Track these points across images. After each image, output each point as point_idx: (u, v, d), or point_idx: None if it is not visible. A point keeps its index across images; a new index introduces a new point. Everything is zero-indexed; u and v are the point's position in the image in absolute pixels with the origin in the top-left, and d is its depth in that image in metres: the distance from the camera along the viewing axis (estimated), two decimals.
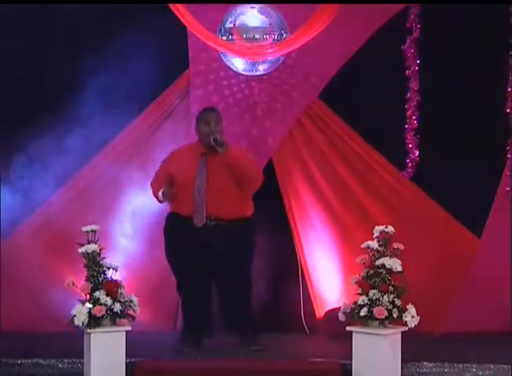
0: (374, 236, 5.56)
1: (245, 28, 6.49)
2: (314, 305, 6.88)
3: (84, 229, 5.55)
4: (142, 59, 6.51)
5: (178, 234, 6.02)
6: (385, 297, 5.41)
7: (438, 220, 6.83)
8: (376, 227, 5.57)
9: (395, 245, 5.55)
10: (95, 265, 5.50)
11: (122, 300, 5.47)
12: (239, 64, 6.67)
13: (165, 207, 6.16)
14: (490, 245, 6.62)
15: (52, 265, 6.71)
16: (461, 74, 6.69)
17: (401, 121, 6.84)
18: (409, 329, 5.44)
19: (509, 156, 6.73)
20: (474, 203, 6.68)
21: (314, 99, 6.93)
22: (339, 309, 5.65)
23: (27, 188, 6.69)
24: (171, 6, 6.31)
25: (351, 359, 5.48)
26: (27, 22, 6.71)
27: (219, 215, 5.93)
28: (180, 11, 6.31)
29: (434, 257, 6.73)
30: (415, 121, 6.85)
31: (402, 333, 5.47)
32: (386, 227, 5.54)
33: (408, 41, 6.83)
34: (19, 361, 5.72)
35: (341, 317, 5.57)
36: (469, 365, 5.68)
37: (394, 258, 5.49)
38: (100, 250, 5.52)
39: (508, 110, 6.75)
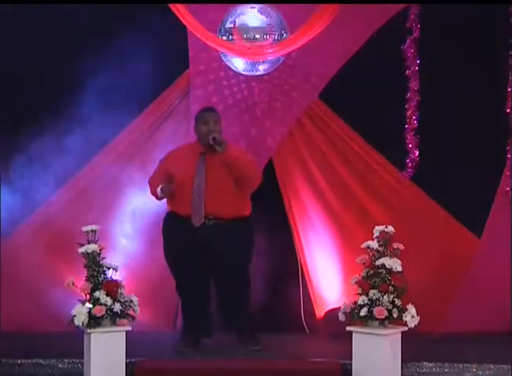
0: (374, 236, 5.56)
1: (245, 28, 6.49)
2: (314, 305, 6.88)
3: (84, 229, 5.55)
4: (142, 59, 6.51)
5: (176, 234, 6.02)
6: (385, 297, 5.41)
7: (438, 220, 6.83)
8: (376, 227, 5.57)
9: (395, 245, 5.55)
10: (95, 265, 5.50)
11: (122, 300, 5.47)
12: (239, 64, 6.67)
13: (165, 207, 6.16)
14: (490, 245, 6.62)
15: (52, 265, 6.71)
16: (461, 74, 6.69)
17: (401, 121, 6.84)
18: (409, 329, 5.44)
19: (509, 156, 6.73)
20: (474, 203, 6.68)
21: (314, 99, 6.93)
22: (339, 309, 5.65)
23: (27, 188, 6.69)
24: (171, 6, 6.31)
25: (351, 359, 5.48)
26: (27, 22, 6.71)
27: (218, 214, 5.93)
28: (180, 11, 6.31)
29: (434, 257, 6.73)
30: (415, 121, 6.85)
31: (402, 333, 5.47)
32: (386, 227, 5.54)
33: (408, 41, 6.83)
34: (19, 361, 5.72)
35: (341, 317, 5.57)
36: (469, 365, 5.68)
37: (394, 258, 5.49)
38: (100, 250, 5.52)
39: (508, 110, 6.75)
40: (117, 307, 5.41)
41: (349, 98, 6.82)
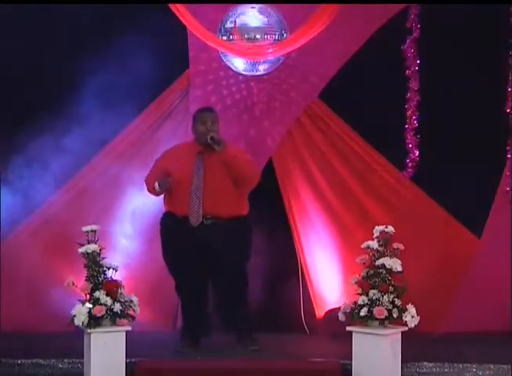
0: (374, 236, 5.56)
1: (245, 28, 6.49)
2: (314, 305, 6.88)
3: (84, 229, 5.55)
4: (142, 59, 6.51)
5: (173, 234, 6.03)
6: (385, 297, 5.41)
7: (438, 220, 6.83)
8: (376, 227, 5.57)
9: (395, 245, 5.55)
10: (95, 265, 5.50)
11: (122, 300, 5.47)
12: (239, 64, 6.67)
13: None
14: (490, 245, 6.62)
15: (52, 265, 6.71)
16: (461, 74, 6.69)
17: (401, 121, 6.84)
18: (409, 329, 5.44)
19: (509, 156, 6.73)
20: (474, 203, 6.68)
21: (314, 99, 6.93)
22: (339, 309, 5.65)
23: (27, 188, 6.68)
24: (171, 6, 6.31)
25: (351, 359, 5.48)
26: (27, 22, 6.71)
27: (216, 213, 5.93)
28: (180, 11, 6.31)
29: (434, 257, 6.73)
30: (415, 121, 6.84)
31: (402, 333, 5.47)
32: (386, 227, 5.54)
33: (408, 41, 6.83)
34: (19, 361, 5.72)
35: (341, 317, 5.57)
36: (469, 365, 5.68)
37: (394, 258, 5.49)
38: (100, 250, 5.52)
39: (508, 110, 6.75)
40: (117, 307, 5.41)
41: (349, 98, 6.82)
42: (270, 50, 6.45)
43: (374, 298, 5.43)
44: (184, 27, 6.52)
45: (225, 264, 5.97)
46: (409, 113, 6.84)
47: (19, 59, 6.65)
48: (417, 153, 6.83)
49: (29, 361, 5.72)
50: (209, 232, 5.92)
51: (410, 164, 6.85)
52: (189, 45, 6.84)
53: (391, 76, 6.79)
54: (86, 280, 5.49)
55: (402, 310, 5.43)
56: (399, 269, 5.46)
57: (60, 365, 5.70)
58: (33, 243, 6.72)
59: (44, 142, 6.55)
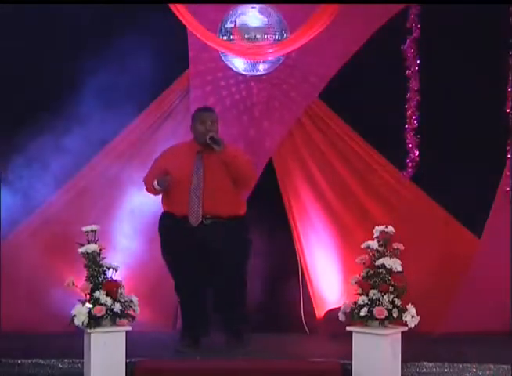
0: (374, 236, 5.56)
1: (245, 28, 6.49)
2: (314, 305, 6.88)
3: (84, 229, 5.55)
4: (142, 59, 6.51)
5: (172, 234, 6.02)
6: (385, 297, 5.41)
7: (438, 220, 6.83)
8: (376, 227, 5.57)
9: (395, 245, 5.55)
10: (95, 265, 5.50)
11: (122, 300, 5.47)
12: (239, 64, 6.67)
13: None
14: (490, 245, 6.62)
15: (52, 265, 6.71)
16: (461, 74, 6.69)
17: (401, 121, 6.84)
18: (409, 329, 5.44)
19: (509, 156, 6.73)
20: (474, 203, 6.68)
21: (314, 99, 6.93)
22: (339, 309, 5.65)
23: (27, 188, 6.68)
24: (171, 6, 6.31)
25: (351, 359, 5.48)
26: (27, 22, 6.71)
27: (216, 213, 5.93)
28: (180, 11, 6.31)
29: (434, 257, 6.73)
30: (415, 121, 6.84)
31: (402, 333, 5.47)
32: (386, 227, 5.54)
33: (408, 41, 6.83)
34: (19, 361, 5.72)
35: (341, 317, 5.57)
36: (469, 365, 5.69)
37: (394, 258, 5.49)
38: (100, 250, 5.52)
39: (508, 110, 6.75)
40: (117, 307, 5.41)
41: (349, 98, 6.82)
42: (270, 50, 6.45)
43: (374, 298, 5.43)
44: (184, 27, 6.52)
45: (224, 264, 5.97)
46: (409, 113, 6.84)
47: (19, 59, 6.65)
48: (417, 153, 6.83)
49: (29, 361, 5.72)
50: (208, 231, 5.92)
51: (410, 164, 6.85)
52: (189, 45, 6.84)
53: (391, 76, 6.79)
54: (86, 280, 5.49)
55: (402, 310, 5.43)
56: (399, 269, 5.46)
57: (60, 365, 5.70)
58: (33, 243, 6.72)
59: (44, 142, 6.55)
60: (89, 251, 5.48)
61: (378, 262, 5.48)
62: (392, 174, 6.90)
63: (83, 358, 5.53)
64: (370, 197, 6.90)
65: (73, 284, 5.47)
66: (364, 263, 5.57)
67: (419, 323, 5.44)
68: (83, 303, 5.43)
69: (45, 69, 6.69)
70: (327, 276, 6.90)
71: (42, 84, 6.69)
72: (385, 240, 5.54)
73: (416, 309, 5.46)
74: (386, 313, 5.39)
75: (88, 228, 5.54)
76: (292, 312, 6.88)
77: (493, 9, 6.62)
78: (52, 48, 6.70)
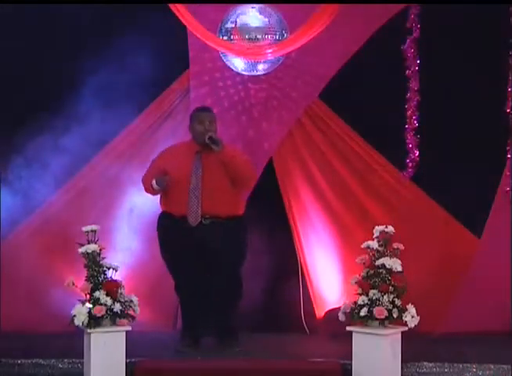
0: (374, 236, 5.56)
1: (245, 28, 6.49)
2: (314, 305, 6.88)
3: (84, 229, 5.55)
4: (142, 59, 6.51)
5: (171, 234, 6.03)
6: (385, 297, 5.41)
7: (438, 220, 6.83)
8: (376, 227, 5.57)
9: (395, 245, 5.55)
10: (95, 265, 5.50)
11: (122, 300, 5.47)
12: (239, 64, 6.67)
13: None
14: (490, 245, 6.62)
15: (52, 265, 6.71)
16: (461, 74, 6.69)
17: (401, 121, 6.84)
18: (409, 329, 5.44)
19: (509, 156, 6.73)
20: (474, 203, 6.68)
21: (314, 99, 6.93)
22: (339, 309, 5.65)
23: (27, 188, 6.68)
24: (171, 6, 6.31)
25: (351, 359, 5.48)
26: (27, 22, 6.71)
27: (215, 213, 5.93)
28: (180, 11, 6.31)
29: (434, 257, 6.73)
30: (415, 121, 6.84)
31: (402, 333, 5.47)
32: (386, 227, 5.54)
33: (408, 41, 6.82)
34: (19, 361, 5.72)
35: (341, 317, 5.57)
36: (469, 365, 5.69)
37: (394, 258, 5.49)
38: (100, 250, 5.52)
39: (508, 110, 6.75)
40: (117, 307, 5.41)
41: (349, 98, 6.82)
42: (270, 50, 6.45)
43: (374, 298, 5.43)
44: (184, 27, 6.52)
45: (222, 264, 5.97)
46: (409, 113, 6.84)
47: (19, 59, 6.65)
48: (417, 153, 6.83)
49: (29, 361, 5.72)
50: (207, 231, 5.92)
51: (410, 164, 6.85)
52: (189, 45, 6.84)
53: (391, 76, 6.79)
54: (86, 280, 5.49)
55: (402, 310, 5.43)
56: (399, 269, 5.46)
57: (60, 365, 5.70)
58: (33, 243, 6.72)
59: (44, 142, 6.56)
60: (89, 251, 5.48)
61: (378, 262, 5.48)
62: (392, 174, 6.90)
63: (83, 358, 5.53)
64: (370, 197, 6.90)
65: (73, 284, 5.47)
66: (364, 263, 5.57)
67: (419, 323, 5.44)
68: (83, 303, 5.43)
69: (45, 69, 6.69)
70: (327, 276, 6.90)
71: (42, 84, 6.69)
72: (385, 240, 5.54)
73: (416, 309, 5.46)
74: (386, 313, 5.39)
75: (88, 228, 5.54)
76: (292, 312, 6.88)
77: (493, 9, 6.62)
78: (52, 48, 6.70)
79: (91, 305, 5.40)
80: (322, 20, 6.31)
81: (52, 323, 6.39)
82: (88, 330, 5.38)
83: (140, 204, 6.72)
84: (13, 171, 6.66)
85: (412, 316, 5.42)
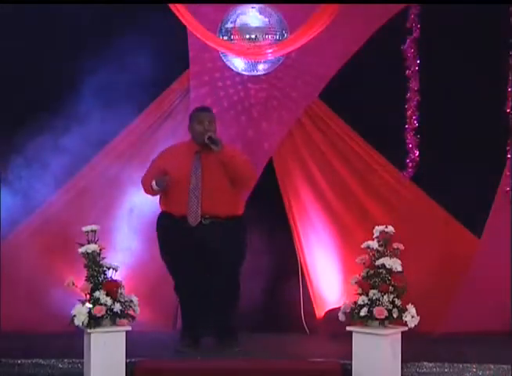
0: (374, 236, 5.56)
1: (245, 28, 6.49)
2: (314, 305, 6.88)
3: (84, 229, 5.55)
4: (142, 59, 6.51)
5: (171, 234, 6.03)
6: (385, 297, 5.41)
7: (438, 220, 6.83)
8: (376, 227, 5.57)
9: (395, 245, 5.55)
10: (95, 265, 5.50)
11: (122, 300, 5.47)
12: (239, 64, 6.67)
13: None
14: (490, 245, 6.62)
15: (52, 265, 6.71)
16: (461, 74, 6.69)
17: (401, 121, 6.84)
18: (409, 329, 5.44)
19: (509, 156, 6.73)
20: (474, 203, 6.68)
21: (314, 99, 6.93)
22: (339, 309, 5.65)
23: (27, 188, 6.68)
24: (171, 6, 6.31)
25: (351, 359, 5.48)
26: (27, 22, 6.71)
27: (214, 213, 5.93)
28: (180, 11, 6.31)
29: (434, 257, 6.73)
30: (415, 121, 6.84)
31: (402, 333, 5.47)
32: (386, 227, 5.54)
33: (408, 41, 6.82)
34: (19, 361, 5.72)
35: (341, 317, 5.57)
36: (469, 365, 5.69)
37: (394, 258, 5.49)
38: (100, 250, 5.52)
39: (508, 110, 6.75)
40: (117, 307, 5.42)
41: (349, 98, 6.82)
42: (270, 50, 6.45)
43: (374, 298, 5.43)
44: (184, 27, 6.51)
45: (221, 264, 5.97)
46: (409, 113, 6.84)
47: (19, 59, 6.65)
48: (417, 153, 6.83)
49: (29, 361, 5.72)
50: (207, 231, 5.92)
51: (410, 164, 6.84)
52: (189, 45, 6.84)
53: (391, 76, 6.78)
54: (86, 280, 5.49)
55: (402, 310, 5.43)
56: (399, 269, 5.46)
57: (60, 365, 5.70)
58: (33, 243, 6.72)
59: (44, 142, 6.56)
60: (89, 251, 5.48)
61: (378, 262, 5.48)
62: (392, 174, 6.90)
63: (83, 358, 5.53)
64: (370, 197, 6.90)
65: (73, 284, 5.47)
66: (364, 263, 5.57)
67: (419, 323, 5.44)
68: (83, 303, 5.43)
69: (45, 69, 6.69)
70: (327, 276, 6.90)
71: (42, 84, 6.69)
72: (385, 240, 5.54)
73: (416, 309, 5.46)
74: (386, 313, 5.39)
75: (88, 228, 5.54)
76: (292, 312, 6.88)
77: (493, 9, 6.62)
78: (52, 48, 6.70)
79: (91, 305, 5.40)
80: (322, 20, 6.31)
81: (52, 323, 6.39)
82: (88, 330, 5.38)
83: (140, 204, 6.72)
84: (13, 171, 6.66)
85: (412, 316, 5.42)
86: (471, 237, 6.78)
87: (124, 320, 5.49)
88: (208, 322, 6.12)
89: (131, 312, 5.50)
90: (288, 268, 6.95)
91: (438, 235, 6.79)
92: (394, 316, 5.40)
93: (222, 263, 5.97)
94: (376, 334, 5.39)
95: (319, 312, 6.85)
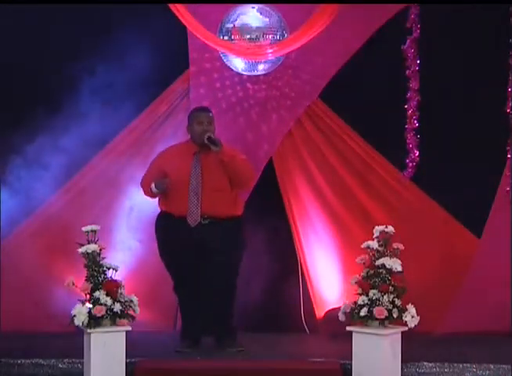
0: (374, 236, 5.55)
1: (245, 28, 6.50)
2: (314, 305, 6.88)
3: (84, 229, 5.55)
4: (142, 59, 6.51)
5: (171, 234, 6.03)
6: (385, 297, 5.41)
7: (438, 220, 6.83)
8: (376, 227, 5.56)
9: (395, 245, 5.54)
10: (95, 265, 5.49)
11: (122, 300, 5.47)
12: (239, 64, 6.67)
13: None
14: (490, 245, 6.62)
15: (52, 265, 6.71)
16: (461, 74, 6.70)
17: (401, 121, 6.84)
18: (409, 329, 5.44)
19: (509, 156, 6.73)
20: (474, 203, 6.68)
21: (314, 98, 6.93)
22: (339, 309, 5.64)
23: (27, 188, 6.68)
24: (171, 6, 6.32)
25: (351, 359, 5.48)
26: (27, 22, 6.70)
27: (214, 213, 5.93)
28: (180, 11, 6.31)
29: (434, 257, 6.73)
30: (415, 121, 6.84)
31: (402, 333, 5.46)
32: (386, 227, 5.54)
33: (408, 41, 6.82)
34: (19, 361, 5.72)
35: (341, 317, 5.57)
36: (469, 365, 5.68)
37: (394, 258, 5.49)
38: (100, 250, 5.52)
39: (508, 110, 6.75)
40: (117, 307, 5.41)
41: (349, 98, 6.82)
42: (270, 50, 6.45)
43: (374, 298, 5.42)
44: (184, 27, 6.52)
45: (220, 264, 5.96)
46: (409, 113, 6.84)
47: (19, 59, 6.65)
48: (417, 153, 6.83)
49: (29, 361, 5.71)
50: (206, 232, 5.92)
51: (410, 164, 6.84)
52: (189, 45, 6.84)
53: (391, 76, 6.79)
54: (86, 280, 5.48)
55: (402, 310, 5.42)
56: (399, 269, 5.46)
57: (60, 365, 5.70)
58: (33, 243, 6.72)
59: (43, 142, 6.56)
60: (89, 251, 5.48)
61: (378, 262, 5.48)
62: (392, 174, 6.90)
63: (83, 358, 5.52)
64: (370, 197, 6.90)
65: (73, 284, 5.47)
66: (364, 263, 5.57)
67: (419, 323, 5.43)
68: (83, 303, 5.42)
69: (44, 69, 6.69)
70: (327, 276, 6.90)
71: (42, 84, 6.69)
72: (385, 240, 5.53)
73: (416, 309, 5.45)
74: (386, 313, 5.38)
75: (88, 228, 5.54)
76: (292, 312, 6.88)
77: (493, 9, 6.62)
78: (52, 48, 6.69)
79: (91, 305, 5.39)
80: (322, 20, 6.32)
81: (52, 323, 6.39)
82: (88, 330, 5.38)
83: (140, 204, 6.72)
84: (13, 172, 6.65)
85: (412, 316, 5.42)
86: (471, 237, 6.78)
87: (124, 320, 5.48)
88: (208, 322, 6.12)
89: (131, 312, 5.50)
90: (288, 268, 6.95)
91: (438, 235, 6.80)
92: (394, 316, 5.40)
93: (221, 263, 5.96)
94: (376, 334, 5.39)
95: (319, 312, 6.85)
